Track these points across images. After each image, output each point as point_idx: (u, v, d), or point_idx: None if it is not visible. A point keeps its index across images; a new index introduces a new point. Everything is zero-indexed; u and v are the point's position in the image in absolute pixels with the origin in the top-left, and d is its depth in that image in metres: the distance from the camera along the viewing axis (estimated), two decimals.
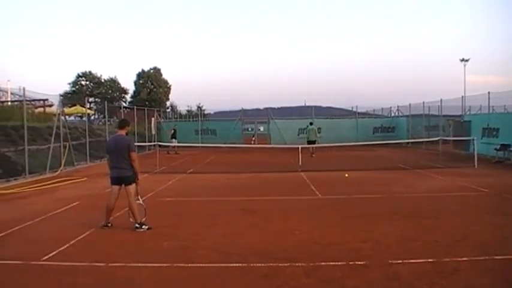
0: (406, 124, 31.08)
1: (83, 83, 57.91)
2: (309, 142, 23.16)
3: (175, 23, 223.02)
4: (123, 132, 8.10)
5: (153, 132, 30.10)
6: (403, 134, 30.80)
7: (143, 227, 7.67)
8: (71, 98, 45.60)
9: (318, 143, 23.52)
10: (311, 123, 24.79)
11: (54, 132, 17.41)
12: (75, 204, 10.21)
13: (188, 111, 60.60)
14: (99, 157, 20.79)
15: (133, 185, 7.86)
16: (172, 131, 28.26)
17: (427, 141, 24.92)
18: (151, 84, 58.61)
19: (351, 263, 5.70)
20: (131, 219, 7.78)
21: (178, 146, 26.96)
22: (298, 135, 30.76)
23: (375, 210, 9.22)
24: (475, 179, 13.27)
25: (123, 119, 9.14)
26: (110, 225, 7.91)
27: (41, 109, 27.21)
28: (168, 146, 26.53)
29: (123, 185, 7.83)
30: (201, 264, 5.77)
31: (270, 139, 31.62)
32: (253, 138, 33.89)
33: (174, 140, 27.42)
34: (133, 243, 6.92)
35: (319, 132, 26.80)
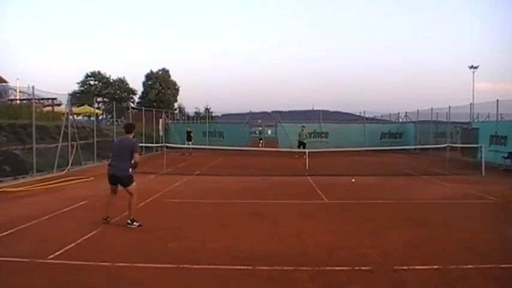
0: (413, 130, 30.87)
1: (92, 83, 58.31)
2: (300, 143, 25.42)
3: (184, 24, 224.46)
4: (130, 135, 8.32)
5: (161, 133, 30.20)
6: (410, 140, 30.56)
7: (134, 223, 7.85)
8: (79, 97, 45.92)
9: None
10: (303, 127, 27.47)
11: (62, 131, 17.50)
12: (82, 203, 10.27)
13: (196, 113, 60.83)
14: (107, 157, 20.75)
15: (133, 184, 7.99)
16: (186, 132, 28.71)
17: (435, 148, 24.77)
18: (160, 85, 58.97)
19: (356, 268, 5.69)
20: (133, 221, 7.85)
21: (184, 148, 27.08)
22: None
23: (382, 216, 9.19)
24: (482, 186, 13.20)
25: (129, 123, 9.31)
26: (108, 220, 8.08)
27: (50, 108, 27.41)
28: (181, 148, 27.12)
29: (120, 186, 8.06)
30: (206, 266, 5.78)
31: (278, 143, 31.63)
32: (260, 142, 33.85)
33: (187, 141, 27.90)
34: (139, 244, 6.95)
35: (326, 137, 28.80)
